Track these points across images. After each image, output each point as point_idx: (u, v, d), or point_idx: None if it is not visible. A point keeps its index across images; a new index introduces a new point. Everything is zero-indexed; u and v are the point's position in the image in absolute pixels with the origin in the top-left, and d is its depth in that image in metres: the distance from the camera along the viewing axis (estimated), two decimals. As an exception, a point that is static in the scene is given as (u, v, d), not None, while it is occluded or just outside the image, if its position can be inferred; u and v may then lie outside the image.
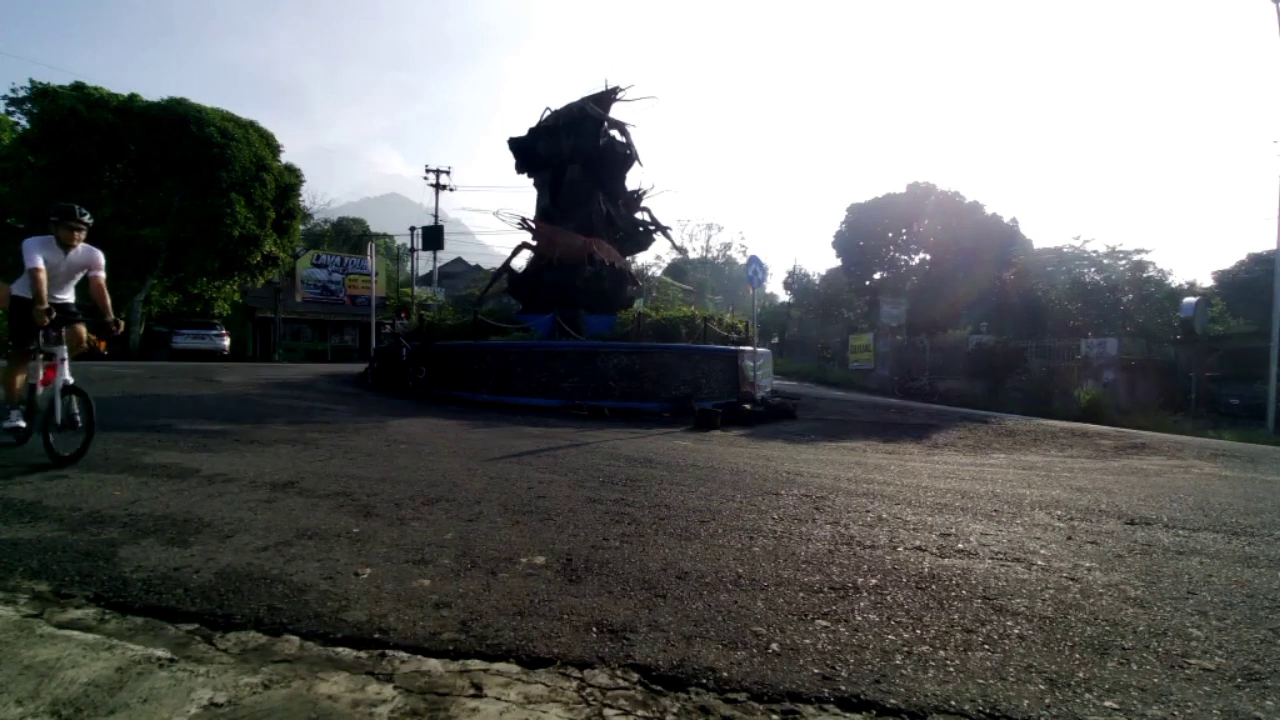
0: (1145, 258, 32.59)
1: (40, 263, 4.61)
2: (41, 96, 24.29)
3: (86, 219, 4.87)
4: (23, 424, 4.94)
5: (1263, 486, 6.29)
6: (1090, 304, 29.55)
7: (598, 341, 12.63)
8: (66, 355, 4.75)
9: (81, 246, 4.90)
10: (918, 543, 3.60)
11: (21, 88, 24.93)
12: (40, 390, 4.94)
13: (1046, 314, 28.67)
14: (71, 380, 4.68)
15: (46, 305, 4.56)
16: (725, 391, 12.01)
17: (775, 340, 40.29)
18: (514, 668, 2.04)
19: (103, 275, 5.04)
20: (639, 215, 17.31)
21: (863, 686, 1.97)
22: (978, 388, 23.07)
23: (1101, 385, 20.64)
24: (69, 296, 5.06)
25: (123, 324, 5.02)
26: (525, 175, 17.06)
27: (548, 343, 12.81)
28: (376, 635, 2.21)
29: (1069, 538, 3.89)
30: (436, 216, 37.19)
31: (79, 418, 4.59)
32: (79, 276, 5.06)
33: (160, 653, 2.04)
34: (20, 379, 4.85)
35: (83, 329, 4.99)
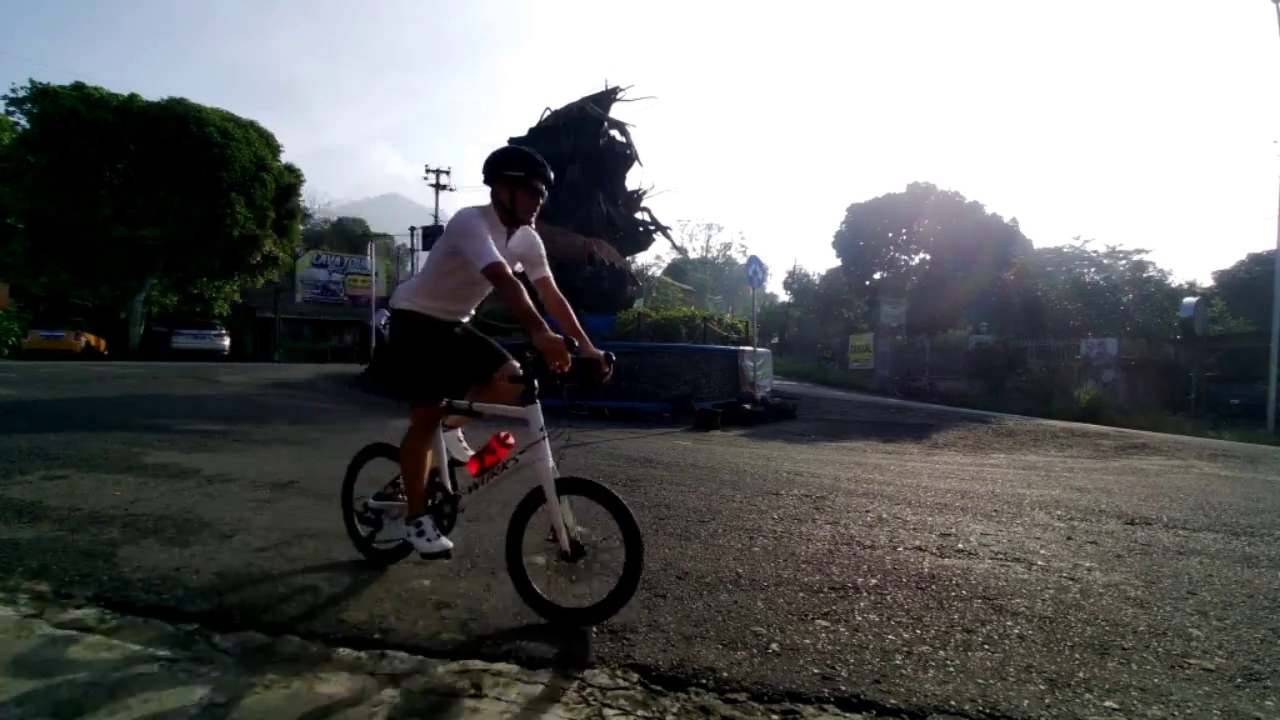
0: (1145, 258, 32.73)
1: (498, 253, 2.47)
2: (41, 96, 24.25)
3: (552, 178, 2.78)
4: (448, 543, 2.61)
5: (1263, 486, 6.29)
6: (1090, 304, 29.59)
7: (597, 341, 12.62)
8: (543, 424, 2.50)
9: (523, 227, 2.79)
10: (918, 543, 3.60)
11: (21, 88, 24.89)
12: (469, 485, 2.74)
13: (1046, 314, 28.70)
14: (556, 468, 2.45)
15: (552, 333, 2.35)
16: (725, 391, 12.01)
17: (775, 340, 40.25)
18: (514, 668, 2.04)
19: (551, 274, 2.92)
20: (639, 215, 17.29)
21: (863, 686, 1.97)
22: (978, 388, 23.05)
23: (1101, 385, 20.61)
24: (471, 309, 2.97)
25: (611, 368, 2.74)
26: (525, 175, 17.05)
27: (548, 343, 12.79)
28: (376, 635, 2.21)
29: (1069, 538, 3.89)
30: (436, 216, 37.15)
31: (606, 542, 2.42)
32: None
33: (160, 653, 2.04)
34: (428, 462, 2.73)
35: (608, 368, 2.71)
